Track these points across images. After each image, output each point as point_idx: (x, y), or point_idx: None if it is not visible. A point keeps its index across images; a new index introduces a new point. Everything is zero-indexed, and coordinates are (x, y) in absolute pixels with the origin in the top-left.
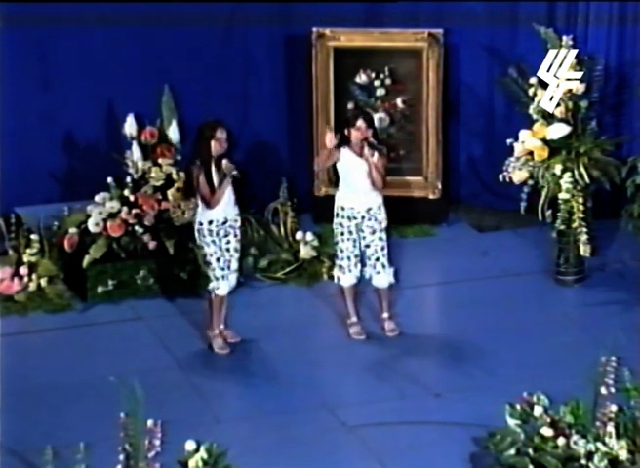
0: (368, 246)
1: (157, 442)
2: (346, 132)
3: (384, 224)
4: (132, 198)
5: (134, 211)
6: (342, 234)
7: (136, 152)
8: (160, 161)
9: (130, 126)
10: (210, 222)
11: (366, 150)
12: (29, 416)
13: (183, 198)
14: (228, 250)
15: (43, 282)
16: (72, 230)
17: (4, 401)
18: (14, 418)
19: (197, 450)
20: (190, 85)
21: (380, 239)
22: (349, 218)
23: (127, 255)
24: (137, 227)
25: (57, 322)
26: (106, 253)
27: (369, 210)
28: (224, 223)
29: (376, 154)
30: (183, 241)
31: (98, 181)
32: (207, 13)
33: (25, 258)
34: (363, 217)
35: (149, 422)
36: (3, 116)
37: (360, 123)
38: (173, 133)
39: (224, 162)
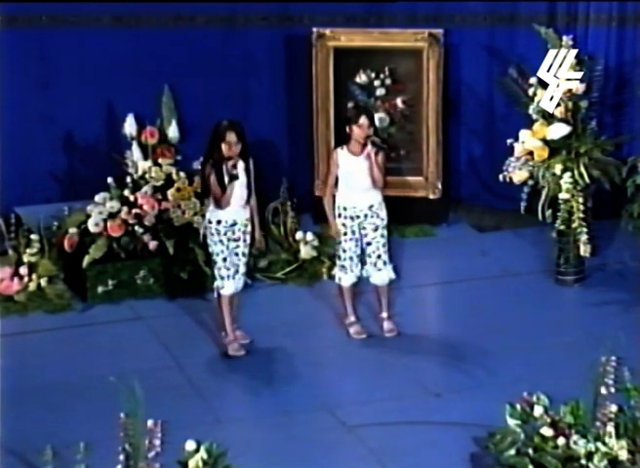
0: (369, 243)
1: (157, 442)
2: (347, 129)
3: (386, 221)
4: (132, 198)
5: (134, 211)
6: (345, 234)
7: (136, 152)
8: (160, 161)
9: (130, 126)
10: (218, 222)
11: (369, 148)
12: (29, 416)
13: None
14: (237, 254)
15: (43, 282)
16: (72, 230)
17: (4, 401)
18: (14, 418)
19: (197, 450)
20: (190, 85)
21: (382, 236)
22: (352, 218)
23: (127, 255)
24: (137, 227)
25: (57, 322)
26: (106, 253)
27: (371, 207)
28: (233, 225)
29: (380, 153)
30: (183, 241)
31: (98, 181)
32: (207, 13)
33: (25, 258)
34: (366, 215)
35: (149, 422)
36: (3, 116)
37: (363, 120)
38: (173, 133)
39: (229, 162)
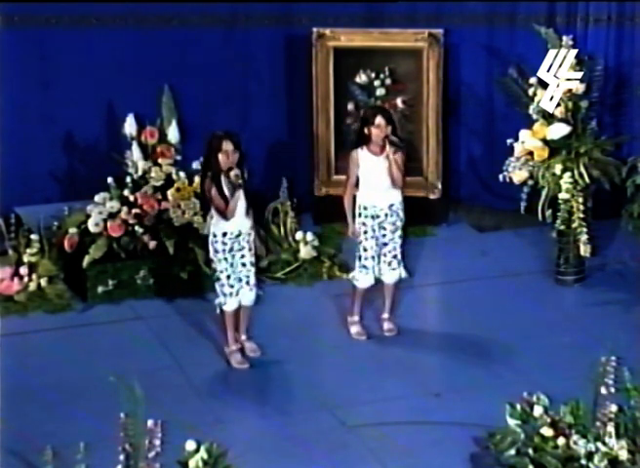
0: (386, 244)
1: (157, 442)
2: (365, 131)
3: (404, 221)
4: (132, 198)
5: (134, 211)
6: (366, 233)
7: (136, 152)
8: (160, 161)
9: (130, 126)
10: (224, 234)
11: (387, 147)
12: (29, 416)
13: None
14: (244, 264)
15: (43, 282)
16: (72, 230)
17: (4, 401)
18: (14, 418)
19: (197, 451)
20: (190, 85)
21: (400, 237)
22: (372, 217)
23: (127, 255)
24: (137, 227)
25: (57, 322)
26: (106, 253)
27: (391, 206)
28: (238, 236)
29: (399, 153)
30: (183, 241)
31: (98, 181)
32: (207, 13)
33: (25, 258)
34: (386, 215)
35: (149, 422)
36: (3, 116)
37: (379, 120)
38: (173, 133)
39: (232, 173)
